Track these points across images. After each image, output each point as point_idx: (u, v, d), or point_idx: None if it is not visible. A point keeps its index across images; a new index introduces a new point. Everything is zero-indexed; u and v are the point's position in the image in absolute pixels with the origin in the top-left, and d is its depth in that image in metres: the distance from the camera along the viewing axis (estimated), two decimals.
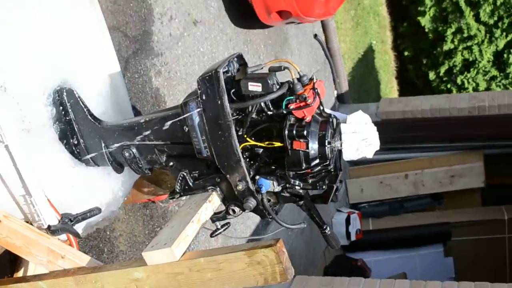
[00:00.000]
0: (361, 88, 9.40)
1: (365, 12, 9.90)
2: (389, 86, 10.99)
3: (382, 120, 7.32)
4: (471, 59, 9.78)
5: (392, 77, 11.29)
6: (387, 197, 8.02)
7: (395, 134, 7.19)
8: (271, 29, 6.19)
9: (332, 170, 2.40)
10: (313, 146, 2.31)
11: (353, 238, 7.23)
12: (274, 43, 6.29)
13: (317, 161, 2.32)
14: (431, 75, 10.41)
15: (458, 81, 10.10)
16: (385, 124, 6.94)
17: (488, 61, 9.79)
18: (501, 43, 9.49)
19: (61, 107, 2.63)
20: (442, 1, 9.73)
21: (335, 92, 7.95)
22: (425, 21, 10.01)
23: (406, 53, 10.89)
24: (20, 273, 2.72)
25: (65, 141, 2.64)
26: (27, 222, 2.52)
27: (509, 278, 7.76)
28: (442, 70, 10.13)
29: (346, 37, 8.82)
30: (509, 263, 7.84)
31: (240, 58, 2.50)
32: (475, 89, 10.01)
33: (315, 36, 7.54)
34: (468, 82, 10.06)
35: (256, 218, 5.43)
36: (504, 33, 9.42)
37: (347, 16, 8.97)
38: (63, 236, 2.50)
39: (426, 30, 10.06)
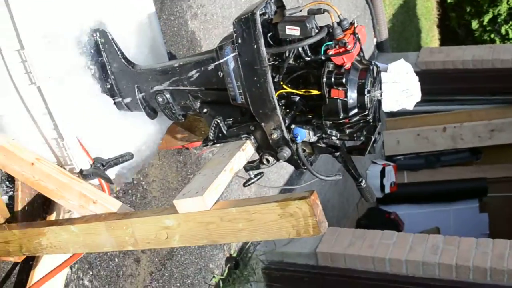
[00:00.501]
0: (401, 36, 9.13)
1: None
2: (430, 35, 10.67)
3: (421, 70, 7.11)
4: None
5: (433, 25, 10.95)
6: (424, 150, 7.87)
7: (435, 85, 6.98)
8: None
9: (371, 120, 2.31)
10: (352, 95, 2.21)
11: (387, 190, 7.15)
12: None
13: (355, 110, 2.23)
14: (474, 24, 10.06)
15: (502, 31, 9.74)
16: (425, 75, 6.74)
17: None
18: None
19: (95, 49, 2.57)
20: None
21: (374, 40, 7.73)
22: None
23: (449, 0, 10.52)
24: (52, 216, 2.73)
25: (98, 84, 2.59)
26: (59, 165, 2.50)
27: None
28: (486, 19, 9.78)
29: None
30: None
31: (278, 0, 2.39)
32: None
33: None
34: None
35: (290, 168, 5.38)
36: None
37: None
38: (95, 181, 2.48)
39: None
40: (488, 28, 9.91)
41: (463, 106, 7.71)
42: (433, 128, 7.75)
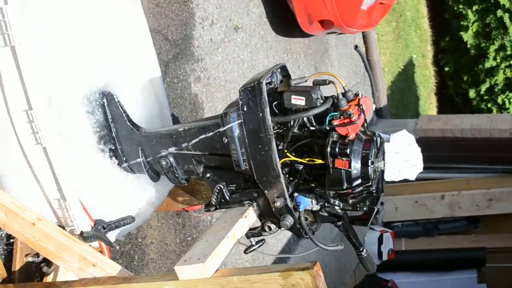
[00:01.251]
0: (400, 103, 9.25)
1: (407, 24, 9.76)
2: (428, 102, 10.81)
3: (420, 137, 7.16)
4: None
5: (431, 93, 11.11)
6: (422, 217, 7.83)
7: (433, 152, 7.00)
8: (311, 38, 6.12)
9: (374, 191, 2.31)
10: (356, 166, 2.22)
11: (384, 257, 7.05)
12: (314, 53, 6.21)
13: (359, 181, 2.24)
14: (471, 93, 10.20)
15: (499, 100, 9.87)
16: (423, 142, 6.77)
17: None
18: None
19: (100, 112, 2.60)
20: (486, 16, 9.53)
21: (374, 106, 7.82)
22: (468, 37, 9.82)
23: (446, 69, 10.70)
24: (49, 278, 2.69)
25: (102, 146, 2.61)
26: (60, 226, 2.49)
27: None
28: (483, 88, 9.92)
29: (387, 49, 8.70)
30: None
31: (283, 69, 2.43)
32: None
33: (356, 47, 7.40)
34: (510, 102, 9.83)
35: (287, 232, 5.35)
36: None
37: (388, 28, 8.84)
38: (95, 244, 2.46)
39: (468, 46, 9.87)
40: (485, 98, 10.05)
41: (461, 174, 7.73)
42: (431, 195, 7.74)
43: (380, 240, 7.01)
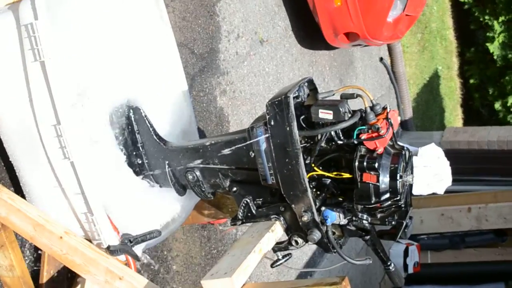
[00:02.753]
0: (425, 115, 9.18)
1: (432, 36, 9.70)
2: (454, 114, 10.71)
3: (446, 149, 7.07)
4: None
5: (457, 104, 11.01)
6: (448, 230, 7.72)
7: (459, 165, 6.90)
8: (336, 51, 6.11)
9: (403, 205, 2.29)
10: (384, 180, 2.20)
11: (410, 270, 7.00)
12: (339, 65, 6.20)
13: (387, 195, 2.22)
14: (497, 105, 10.09)
15: None
16: (449, 154, 6.70)
17: None
18: None
19: (127, 126, 2.61)
20: None
21: (399, 118, 7.77)
22: (494, 48, 9.73)
23: (472, 81, 10.61)
24: None
25: (129, 160, 2.62)
26: (87, 239, 2.50)
27: None
28: (510, 100, 9.80)
29: (412, 61, 8.65)
30: None
31: (310, 82, 2.43)
32: None
33: (381, 59, 7.43)
34: None
35: (313, 245, 5.31)
36: None
37: (414, 40, 8.80)
38: (122, 257, 2.47)
39: (495, 57, 9.77)
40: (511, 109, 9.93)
41: (488, 186, 7.62)
42: (457, 208, 7.63)
43: (406, 253, 6.96)
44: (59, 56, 2.29)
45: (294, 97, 2.24)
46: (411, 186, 2.37)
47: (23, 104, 2.33)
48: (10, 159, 2.48)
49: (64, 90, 2.30)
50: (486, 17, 9.76)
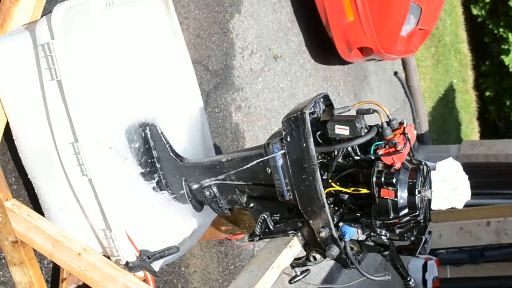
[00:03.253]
0: (441, 128, 9.13)
1: (446, 49, 9.68)
2: (470, 127, 10.65)
3: (463, 163, 7.03)
4: None
5: (473, 117, 10.94)
6: (467, 244, 7.65)
7: (477, 178, 6.84)
8: (350, 65, 6.11)
9: (421, 221, 2.27)
10: (402, 195, 2.19)
11: (429, 286, 6.93)
12: (353, 80, 6.20)
13: (406, 211, 2.21)
14: None
15: None
16: (467, 168, 6.66)
17: None
18: None
19: (144, 143, 2.62)
20: None
21: (415, 132, 7.74)
22: (509, 60, 9.69)
23: (487, 93, 10.55)
24: None
25: (147, 177, 2.63)
26: (105, 256, 2.50)
27: None
28: None
29: (427, 75, 8.62)
30: None
31: (326, 98, 2.43)
32: None
33: (395, 73, 7.42)
34: None
35: (331, 260, 5.29)
36: None
37: (428, 54, 8.78)
38: (140, 273, 2.47)
39: (510, 69, 9.72)
40: None
41: (507, 200, 7.55)
42: (476, 222, 7.57)
43: (425, 267, 6.89)
44: (75, 75, 2.31)
45: (310, 113, 2.24)
46: (429, 201, 2.36)
47: (41, 122, 2.36)
48: (28, 177, 2.50)
49: (80, 108, 2.32)
50: (501, 30, 9.73)
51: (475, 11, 10.28)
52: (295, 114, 2.23)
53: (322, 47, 5.52)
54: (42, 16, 2.43)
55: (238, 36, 4.39)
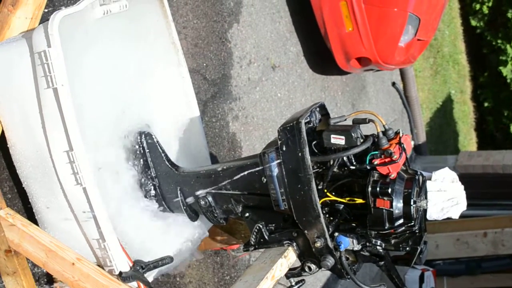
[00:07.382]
0: (439, 139, 9.14)
1: (445, 60, 9.70)
2: (468, 138, 10.65)
3: (460, 174, 7.03)
4: None
5: (471, 128, 10.95)
6: (464, 256, 7.62)
7: (474, 189, 6.84)
8: (348, 76, 6.12)
9: (417, 231, 2.26)
10: (398, 205, 2.18)
11: None
12: (351, 90, 6.20)
13: (401, 221, 2.20)
14: None
15: None
16: (464, 179, 6.66)
17: None
18: None
19: (139, 152, 2.62)
20: None
21: (412, 142, 7.74)
22: (507, 71, 9.72)
23: (486, 104, 10.57)
24: None
25: (141, 186, 2.62)
26: (99, 265, 2.49)
27: None
28: None
29: (425, 85, 8.64)
30: None
31: (322, 108, 2.43)
32: None
33: (393, 84, 7.43)
34: None
35: (327, 271, 5.27)
36: None
37: (426, 64, 8.79)
38: (134, 284, 2.45)
39: (508, 80, 9.76)
40: None
41: (504, 211, 7.54)
42: (473, 233, 7.54)
43: (421, 279, 6.87)
44: (71, 83, 2.30)
45: (306, 123, 2.24)
46: (425, 211, 2.35)
47: (36, 130, 2.34)
48: (23, 185, 2.49)
49: (76, 116, 2.31)
50: (499, 41, 9.76)
51: (473, 22, 10.32)
52: (291, 124, 2.22)
53: (320, 57, 5.52)
54: (39, 24, 2.43)
55: (236, 46, 4.39)
